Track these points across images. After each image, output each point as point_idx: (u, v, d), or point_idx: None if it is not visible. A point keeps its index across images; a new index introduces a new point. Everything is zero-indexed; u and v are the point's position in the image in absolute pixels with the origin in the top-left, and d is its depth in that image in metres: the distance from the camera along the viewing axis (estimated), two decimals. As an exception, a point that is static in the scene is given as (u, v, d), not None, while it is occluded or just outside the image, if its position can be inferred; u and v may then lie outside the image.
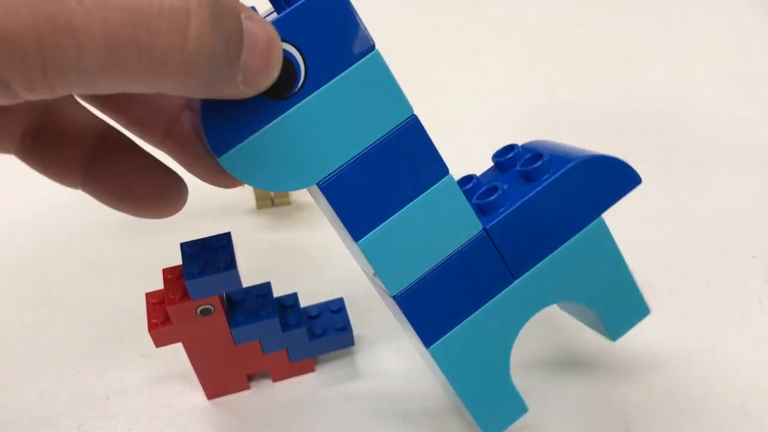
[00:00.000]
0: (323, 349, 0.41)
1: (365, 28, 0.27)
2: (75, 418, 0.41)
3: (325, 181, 0.28)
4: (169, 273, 0.36)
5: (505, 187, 0.33)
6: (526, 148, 0.35)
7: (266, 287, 0.39)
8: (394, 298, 0.31)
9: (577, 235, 0.33)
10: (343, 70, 0.27)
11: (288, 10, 0.25)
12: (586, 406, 0.39)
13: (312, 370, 0.42)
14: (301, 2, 0.25)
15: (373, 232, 0.29)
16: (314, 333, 0.41)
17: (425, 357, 0.35)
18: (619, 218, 0.48)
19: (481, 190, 0.33)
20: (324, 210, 0.31)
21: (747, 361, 0.41)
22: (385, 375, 0.42)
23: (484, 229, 0.31)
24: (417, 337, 0.32)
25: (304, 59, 0.26)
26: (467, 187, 0.34)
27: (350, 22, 0.26)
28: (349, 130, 0.28)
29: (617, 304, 0.35)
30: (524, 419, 0.37)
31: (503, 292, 0.32)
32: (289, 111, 0.26)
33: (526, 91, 0.60)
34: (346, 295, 0.45)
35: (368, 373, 0.42)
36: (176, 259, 0.48)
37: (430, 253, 0.31)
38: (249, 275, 0.42)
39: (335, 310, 0.42)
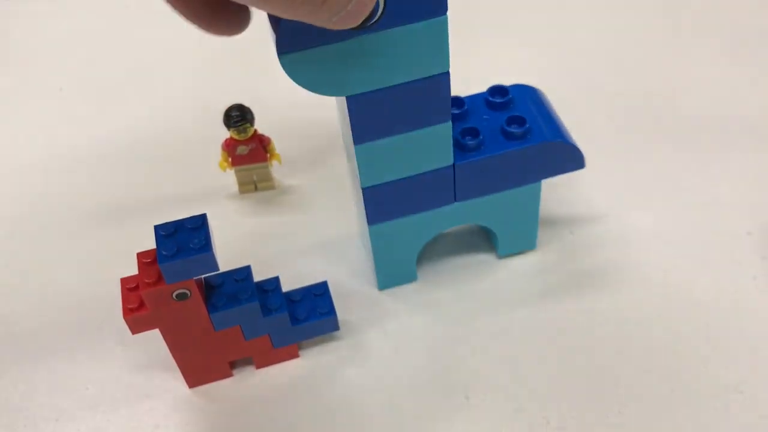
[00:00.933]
0: (307, 334, 0.40)
1: None
2: (53, 409, 0.40)
3: (355, 96, 0.32)
4: (143, 257, 0.35)
5: (484, 131, 0.38)
6: (516, 99, 0.40)
7: (246, 271, 0.38)
8: (363, 189, 0.37)
9: (519, 187, 0.40)
10: (414, 21, 0.30)
11: None
12: (579, 385, 0.38)
13: (296, 355, 0.41)
14: None
15: (371, 142, 0.35)
16: (297, 318, 0.39)
17: (363, 229, 0.42)
18: (613, 196, 0.47)
19: (465, 126, 0.39)
20: (340, 115, 0.37)
21: (742, 339, 0.40)
22: (370, 360, 0.41)
23: (453, 164, 0.37)
24: (364, 216, 0.39)
25: (385, 1, 0.29)
26: (455, 111, 0.39)
27: None
28: (397, 66, 0.31)
29: (518, 235, 0.43)
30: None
31: (442, 208, 0.39)
32: (354, 38, 0.29)
33: (514, 69, 0.59)
34: (331, 280, 0.44)
35: (354, 358, 0.41)
36: (153, 246, 0.47)
37: (404, 168, 0.37)
38: (231, 260, 0.40)
39: (318, 294, 0.40)
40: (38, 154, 0.55)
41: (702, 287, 0.42)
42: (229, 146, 0.47)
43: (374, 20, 0.29)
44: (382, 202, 0.38)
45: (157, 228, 0.34)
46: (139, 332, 0.36)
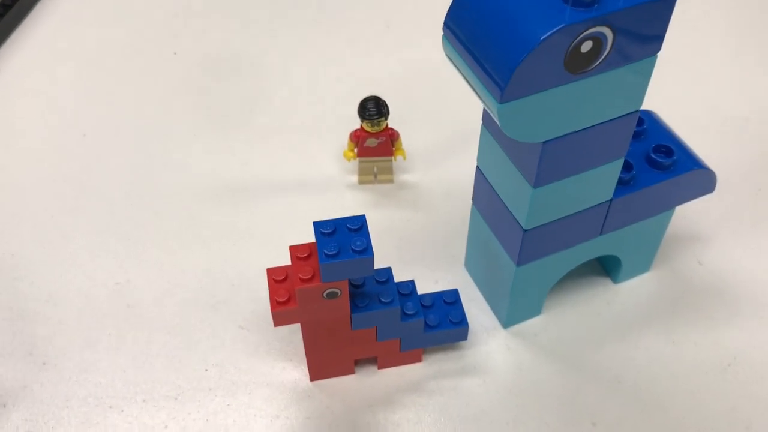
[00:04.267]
0: (436, 341, 0.39)
1: None
2: (171, 387, 0.40)
3: (551, 140, 0.31)
4: (297, 251, 0.34)
5: (634, 162, 0.38)
6: (653, 129, 0.40)
7: (387, 272, 0.37)
8: (525, 231, 0.35)
9: (658, 215, 0.40)
10: (631, 62, 0.29)
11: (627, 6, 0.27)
12: (707, 427, 0.38)
13: (420, 360, 0.40)
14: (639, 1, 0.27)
15: (550, 184, 0.33)
16: (429, 324, 0.39)
17: (491, 269, 0.41)
18: (742, 229, 0.46)
19: None
20: (499, 156, 0.35)
21: None
22: (493, 374, 0.40)
23: (610, 198, 0.37)
24: (508, 257, 0.38)
25: (613, 43, 0.28)
26: None
27: (665, 22, 0.29)
28: (600, 107, 0.31)
29: (639, 260, 0.43)
30: None
31: (587, 242, 0.38)
32: (572, 83, 0.28)
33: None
34: (450, 283, 0.44)
35: (476, 369, 0.40)
36: (273, 228, 0.47)
37: (568, 207, 0.35)
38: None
39: (450, 302, 0.40)
40: (155, 124, 0.54)
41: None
42: (359, 137, 0.46)
43: (598, 63, 0.28)
44: (536, 243, 0.37)
45: (316, 225, 0.34)
46: (282, 325, 0.35)
